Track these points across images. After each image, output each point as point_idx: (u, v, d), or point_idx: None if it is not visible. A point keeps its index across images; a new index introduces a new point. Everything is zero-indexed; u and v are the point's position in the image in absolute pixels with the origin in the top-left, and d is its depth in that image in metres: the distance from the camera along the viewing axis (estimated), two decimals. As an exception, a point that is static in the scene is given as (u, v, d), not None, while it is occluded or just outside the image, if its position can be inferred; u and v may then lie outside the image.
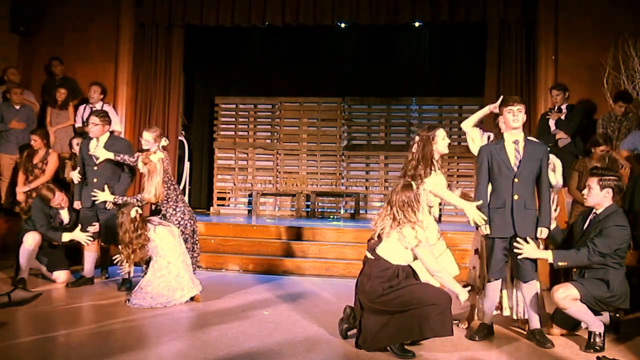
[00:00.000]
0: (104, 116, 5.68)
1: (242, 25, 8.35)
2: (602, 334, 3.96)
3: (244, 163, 10.31)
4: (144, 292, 4.90)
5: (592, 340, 3.94)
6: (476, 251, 4.60)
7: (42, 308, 4.72)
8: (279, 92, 10.24)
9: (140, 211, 4.95)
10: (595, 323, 3.99)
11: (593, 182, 4.18)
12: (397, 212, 3.83)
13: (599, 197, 4.15)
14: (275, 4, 8.12)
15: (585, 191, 4.24)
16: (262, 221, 8.43)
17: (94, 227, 5.56)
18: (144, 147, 5.47)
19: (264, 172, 10.26)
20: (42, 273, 5.84)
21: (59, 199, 5.68)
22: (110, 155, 5.45)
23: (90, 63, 8.17)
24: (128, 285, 5.51)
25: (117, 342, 3.88)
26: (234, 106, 10.40)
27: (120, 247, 4.93)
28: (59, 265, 5.77)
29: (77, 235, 5.56)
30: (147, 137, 5.40)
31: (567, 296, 3.99)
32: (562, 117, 6.57)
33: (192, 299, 5.02)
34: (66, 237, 5.60)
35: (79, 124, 7.49)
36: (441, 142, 4.39)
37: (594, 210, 4.21)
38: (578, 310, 4.02)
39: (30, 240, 5.55)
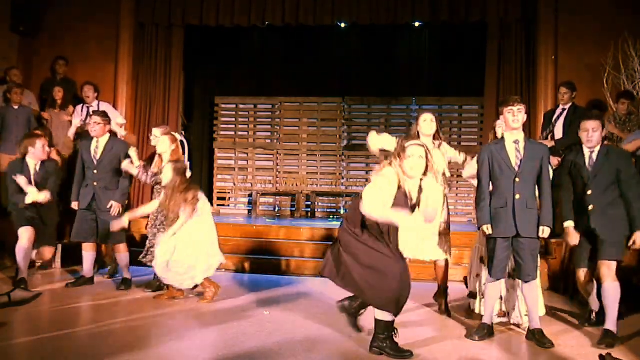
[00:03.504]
0: (105, 116, 5.73)
1: (242, 25, 8.36)
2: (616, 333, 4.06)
3: (244, 163, 10.31)
4: (167, 268, 4.91)
5: (606, 336, 4.05)
6: (481, 259, 4.60)
7: (42, 308, 4.72)
8: (279, 92, 10.24)
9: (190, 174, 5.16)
10: (614, 320, 4.10)
11: (596, 124, 4.30)
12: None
13: (600, 137, 4.31)
14: (275, 4, 8.13)
15: (590, 134, 4.29)
16: (262, 221, 8.43)
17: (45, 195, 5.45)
18: (152, 142, 5.70)
19: (264, 172, 10.27)
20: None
21: (41, 144, 5.62)
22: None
23: (90, 63, 8.18)
24: (128, 284, 5.52)
25: (117, 342, 3.88)
26: (234, 106, 10.41)
27: (166, 202, 4.97)
28: (45, 241, 5.69)
29: (36, 197, 5.43)
30: (156, 133, 5.66)
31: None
32: (563, 119, 6.52)
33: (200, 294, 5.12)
34: (28, 199, 5.49)
35: (77, 125, 7.47)
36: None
37: (590, 151, 4.30)
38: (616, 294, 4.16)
39: (24, 239, 5.51)
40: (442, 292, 4.93)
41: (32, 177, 5.59)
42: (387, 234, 3.69)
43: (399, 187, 3.60)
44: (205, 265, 4.99)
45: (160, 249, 4.94)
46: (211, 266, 5.05)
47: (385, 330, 3.78)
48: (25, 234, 5.53)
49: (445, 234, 4.75)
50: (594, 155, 4.33)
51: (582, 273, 4.47)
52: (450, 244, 4.82)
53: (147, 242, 5.56)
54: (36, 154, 5.61)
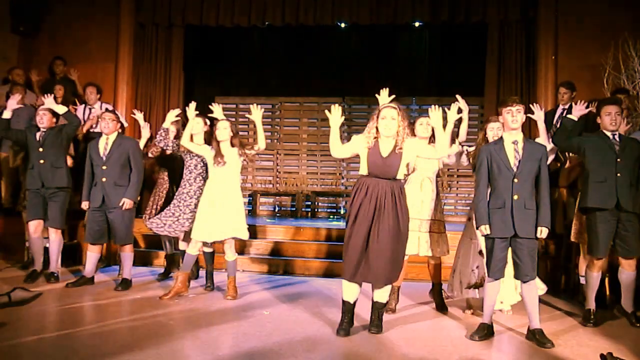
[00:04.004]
0: (116, 114, 5.76)
1: (242, 25, 8.36)
2: None
3: (244, 163, 10.28)
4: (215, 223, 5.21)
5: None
6: (480, 252, 4.67)
7: (42, 308, 4.71)
8: (279, 92, 10.24)
9: None
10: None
11: (618, 107, 4.62)
12: None
13: (621, 120, 4.68)
14: (275, 4, 8.14)
15: (613, 117, 4.56)
16: (262, 221, 8.42)
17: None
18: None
19: (264, 172, 10.27)
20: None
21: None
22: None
23: (90, 63, 8.18)
24: (127, 285, 5.53)
25: (117, 342, 3.88)
26: (234, 106, 10.40)
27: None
28: (50, 223, 5.78)
29: (51, 103, 5.85)
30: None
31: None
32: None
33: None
34: (47, 103, 5.85)
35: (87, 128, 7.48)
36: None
37: (614, 135, 4.58)
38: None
39: (31, 231, 5.76)
40: (436, 289, 5.03)
41: (38, 138, 5.81)
42: (369, 194, 4.01)
43: (372, 145, 4.05)
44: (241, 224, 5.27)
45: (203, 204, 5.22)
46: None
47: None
48: (32, 227, 5.75)
49: (440, 232, 4.85)
50: (617, 137, 4.61)
51: (599, 263, 4.64)
52: (447, 244, 4.91)
53: (170, 211, 5.54)
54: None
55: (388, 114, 4.04)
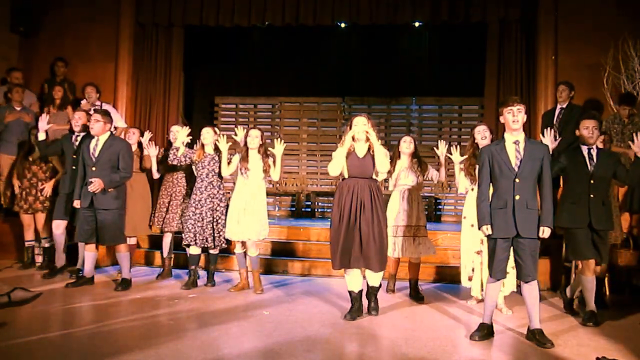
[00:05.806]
0: (106, 114, 5.68)
1: (242, 25, 8.35)
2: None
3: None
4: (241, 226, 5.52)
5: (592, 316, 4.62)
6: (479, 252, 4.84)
7: (42, 308, 4.71)
8: (279, 92, 10.24)
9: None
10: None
11: (596, 122, 4.73)
12: None
13: (598, 134, 4.77)
14: (275, 4, 8.12)
15: (590, 131, 4.68)
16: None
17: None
18: (171, 137, 6.06)
19: (263, 172, 10.25)
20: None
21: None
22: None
23: (90, 63, 8.17)
24: (127, 285, 5.52)
25: (117, 342, 3.88)
26: (234, 106, 10.41)
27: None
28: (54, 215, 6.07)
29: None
30: (176, 129, 6.09)
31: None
32: (561, 117, 6.54)
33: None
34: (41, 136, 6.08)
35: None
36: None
37: (590, 150, 4.70)
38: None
39: (54, 227, 6.07)
40: (414, 284, 5.43)
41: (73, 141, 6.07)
42: (350, 192, 4.56)
43: (351, 151, 4.66)
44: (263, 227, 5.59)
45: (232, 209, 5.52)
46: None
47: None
48: (55, 225, 6.12)
49: (418, 236, 5.35)
50: (593, 153, 4.71)
51: (590, 266, 4.70)
52: (429, 245, 5.45)
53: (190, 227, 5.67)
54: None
55: (359, 121, 4.68)
